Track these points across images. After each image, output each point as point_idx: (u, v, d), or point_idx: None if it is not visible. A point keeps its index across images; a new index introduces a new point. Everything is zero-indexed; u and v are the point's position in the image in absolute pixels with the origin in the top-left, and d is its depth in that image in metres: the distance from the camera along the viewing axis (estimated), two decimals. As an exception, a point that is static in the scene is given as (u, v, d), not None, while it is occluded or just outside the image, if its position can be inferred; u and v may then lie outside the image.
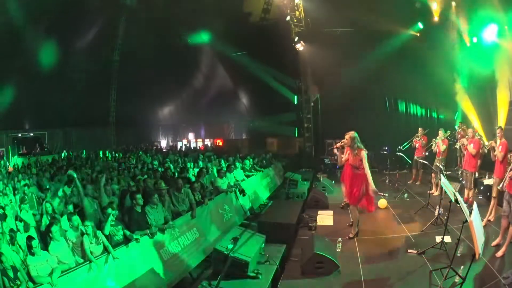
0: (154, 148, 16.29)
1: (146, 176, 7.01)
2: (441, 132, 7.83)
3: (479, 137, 7.52)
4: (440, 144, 7.63)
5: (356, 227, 5.35)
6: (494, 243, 4.47)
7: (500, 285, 3.63)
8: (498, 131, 5.68)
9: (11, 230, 3.98)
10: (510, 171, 4.33)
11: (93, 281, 3.65)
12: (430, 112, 11.99)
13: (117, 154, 13.03)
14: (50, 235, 3.78)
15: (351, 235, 5.27)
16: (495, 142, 5.55)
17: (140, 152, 12.98)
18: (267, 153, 11.99)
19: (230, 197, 6.99)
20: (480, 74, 9.52)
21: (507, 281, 3.62)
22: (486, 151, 6.40)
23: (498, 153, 5.34)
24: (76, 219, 4.15)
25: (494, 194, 5.50)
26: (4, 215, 4.49)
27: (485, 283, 3.69)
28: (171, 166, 9.13)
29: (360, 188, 5.08)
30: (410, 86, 11.10)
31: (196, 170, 8.21)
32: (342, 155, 5.37)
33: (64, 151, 14.17)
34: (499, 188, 4.51)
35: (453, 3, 9.66)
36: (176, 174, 7.73)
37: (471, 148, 6.25)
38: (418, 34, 10.94)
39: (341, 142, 5.26)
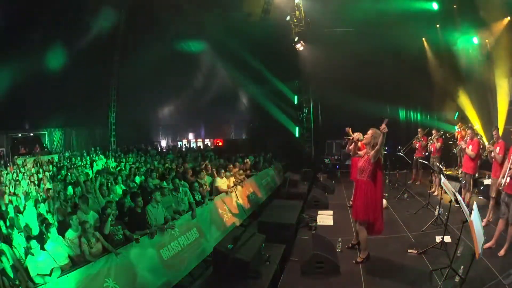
0: (154, 148, 16.29)
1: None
2: (435, 132, 7.99)
3: (479, 137, 7.53)
4: (435, 142, 7.77)
5: (366, 250, 4.44)
6: (486, 246, 4.38)
7: (500, 285, 3.63)
8: (494, 132, 5.60)
9: (10, 228, 3.98)
10: (510, 170, 4.29)
11: (93, 281, 3.65)
12: (430, 112, 12.02)
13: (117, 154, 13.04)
14: (49, 235, 3.79)
15: (359, 259, 4.41)
16: (492, 145, 5.51)
17: (141, 153, 12.97)
18: (267, 153, 11.99)
19: (230, 197, 7.00)
20: (480, 74, 9.54)
21: (507, 281, 3.61)
22: (484, 156, 6.36)
23: (497, 156, 5.27)
24: (75, 219, 4.15)
25: (493, 194, 5.47)
26: (6, 212, 4.50)
27: (485, 283, 3.68)
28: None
29: (364, 198, 4.20)
30: (410, 85, 11.11)
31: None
32: (356, 147, 4.54)
33: (67, 152, 14.21)
34: (500, 188, 4.46)
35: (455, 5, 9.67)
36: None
37: (470, 151, 6.17)
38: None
39: (360, 138, 4.48)
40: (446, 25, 10.27)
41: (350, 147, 5.53)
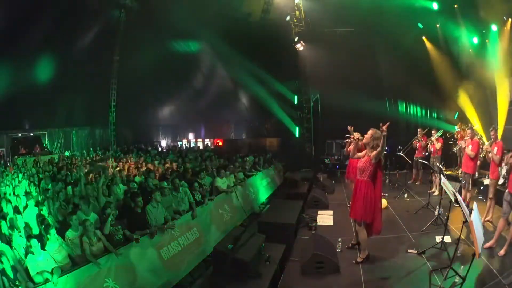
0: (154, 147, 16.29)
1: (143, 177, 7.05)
2: (434, 132, 8.03)
3: (479, 136, 7.54)
4: (435, 143, 7.80)
5: (366, 250, 4.45)
6: (486, 245, 4.41)
7: (500, 285, 3.64)
8: (491, 132, 5.57)
9: (10, 228, 3.98)
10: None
11: (93, 281, 3.65)
12: (429, 112, 12.03)
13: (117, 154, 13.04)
14: (48, 236, 3.78)
15: (359, 259, 4.42)
16: (490, 145, 5.50)
17: (141, 153, 12.98)
18: (267, 153, 12.00)
19: (230, 197, 7.00)
20: (480, 74, 9.55)
21: (507, 281, 3.61)
22: (482, 158, 6.39)
23: (494, 156, 5.27)
24: (75, 219, 4.15)
25: (490, 195, 5.46)
26: (5, 213, 4.49)
27: (485, 283, 3.69)
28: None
29: (363, 199, 4.21)
30: (410, 85, 11.12)
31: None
32: (356, 148, 4.55)
33: (67, 151, 14.23)
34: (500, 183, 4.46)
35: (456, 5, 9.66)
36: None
37: (469, 151, 6.16)
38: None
39: (360, 138, 4.45)
40: (447, 24, 10.27)
41: (349, 149, 5.89)
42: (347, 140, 6.06)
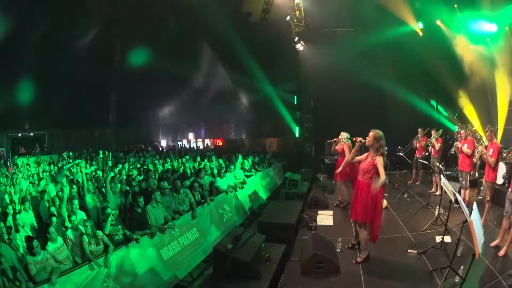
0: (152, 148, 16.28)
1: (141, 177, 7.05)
2: (434, 132, 8.07)
3: (479, 137, 7.54)
4: (435, 143, 7.82)
5: (366, 250, 4.46)
6: (493, 244, 4.46)
7: (500, 285, 3.63)
8: (487, 133, 5.49)
9: (9, 228, 3.98)
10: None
11: (93, 281, 3.64)
12: (429, 112, 12.02)
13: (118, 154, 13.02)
14: (48, 235, 3.78)
15: (359, 259, 4.43)
16: (485, 147, 5.46)
17: (141, 153, 12.96)
18: (267, 153, 11.99)
19: (230, 197, 6.99)
20: (480, 74, 9.54)
21: (508, 282, 3.61)
22: (477, 158, 6.39)
23: (489, 159, 5.22)
24: (75, 219, 4.15)
25: (488, 198, 5.42)
26: (4, 214, 4.49)
27: (485, 283, 3.69)
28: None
29: (364, 200, 4.19)
30: (410, 85, 11.11)
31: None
32: (356, 153, 4.49)
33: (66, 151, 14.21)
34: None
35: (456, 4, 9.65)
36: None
37: (466, 149, 6.21)
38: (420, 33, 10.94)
39: (362, 141, 4.35)
40: (447, 23, 10.26)
41: (336, 148, 6.54)
42: (335, 139, 6.45)
